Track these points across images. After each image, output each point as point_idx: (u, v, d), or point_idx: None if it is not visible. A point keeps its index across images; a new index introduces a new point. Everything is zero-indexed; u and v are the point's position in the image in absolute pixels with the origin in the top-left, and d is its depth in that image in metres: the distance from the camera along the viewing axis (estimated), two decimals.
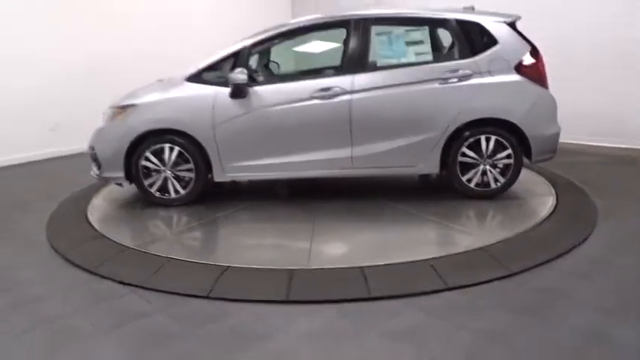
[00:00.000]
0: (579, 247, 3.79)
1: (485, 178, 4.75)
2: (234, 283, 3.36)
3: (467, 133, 4.65)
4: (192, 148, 4.77)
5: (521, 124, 4.58)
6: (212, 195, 5.19)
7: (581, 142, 6.89)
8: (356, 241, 4.03)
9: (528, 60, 4.63)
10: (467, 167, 4.74)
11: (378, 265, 3.50)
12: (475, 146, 4.68)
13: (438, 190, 5.14)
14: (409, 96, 4.62)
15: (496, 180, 4.73)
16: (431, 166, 4.72)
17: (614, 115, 6.74)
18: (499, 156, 4.68)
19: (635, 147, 6.66)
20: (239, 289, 3.27)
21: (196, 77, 4.80)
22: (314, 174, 4.81)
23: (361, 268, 3.46)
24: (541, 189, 5.11)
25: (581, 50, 6.88)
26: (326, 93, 4.62)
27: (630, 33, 6.47)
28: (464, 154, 4.69)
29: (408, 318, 2.94)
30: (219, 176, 4.84)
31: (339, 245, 3.96)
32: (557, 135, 4.74)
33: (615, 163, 6.26)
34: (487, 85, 4.58)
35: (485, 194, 4.77)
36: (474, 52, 4.65)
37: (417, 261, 3.54)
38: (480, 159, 4.70)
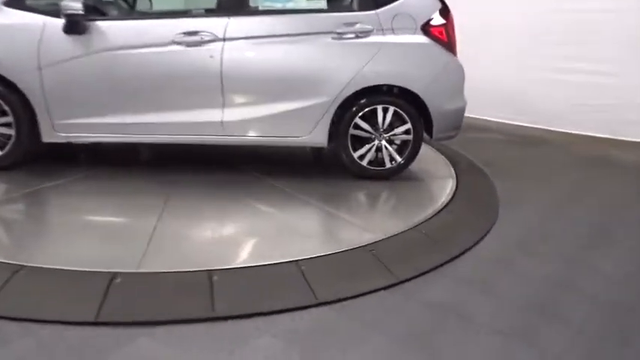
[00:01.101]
0: (478, 245, 3.21)
1: (379, 156, 4.05)
2: (23, 292, 2.41)
3: (361, 102, 3.90)
4: (11, 96, 3.64)
5: (424, 94, 3.90)
6: (49, 160, 4.10)
7: (484, 118, 6.44)
8: (211, 231, 3.19)
9: (438, 20, 3.92)
10: (360, 142, 4.02)
11: (232, 269, 2.69)
12: (370, 118, 3.95)
13: (328, 167, 4.38)
14: (294, 51, 3.78)
15: (392, 158, 4.06)
16: (318, 138, 3.94)
17: (520, 92, 6.32)
18: (397, 131, 4.00)
19: (540, 127, 6.30)
20: (26, 304, 2.33)
21: (19, 1, 3.63)
22: (174, 139, 3.87)
23: (209, 272, 2.63)
24: (440, 170, 4.52)
25: (491, 16, 6.33)
26: (191, 38, 3.66)
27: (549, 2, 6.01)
28: (357, 127, 3.96)
29: (261, 346, 2.17)
30: (48, 135, 3.76)
31: (188, 236, 3.09)
32: (463, 110, 4.12)
33: (520, 142, 5.85)
34: (389, 46, 3.83)
35: (379, 174, 4.09)
36: (377, 3, 3.86)
37: (283, 263, 2.77)
38: (375, 133, 3.98)
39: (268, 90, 3.80)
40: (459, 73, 4.02)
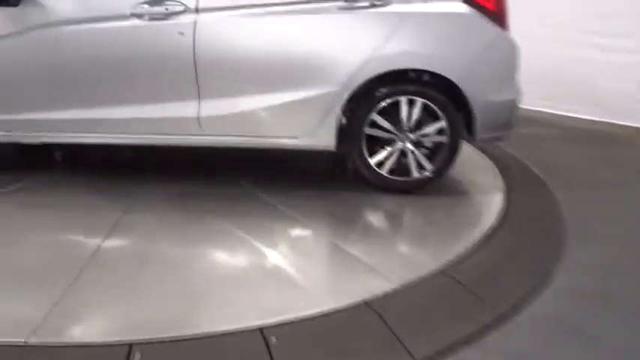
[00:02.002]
0: (536, 299, 2.24)
1: (404, 162, 3.10)
2: None
3: (380, 92, 2.96)
4: None
5: (463, 82, 2.92)
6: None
7: (537, 109, 5.31)
8: (162, 277, 2.30)
9: None
10: (378, 144, 3.08)
11: (167, 342, 1.83)
12: (391, 113, 3.01)
13: (339, 174, 3.47)
14: (290, 25, 2.88)
15: (421, 166, 3.10)
16: (323, 139, 3.02)
17: (581, 77, 5.18)
18: (427, 130, 3.04)
19: (606, 120, 5.15)
20: None
21: None
22: (137, 141, 3.04)
23: (131, 346, 1.78)
24: (485, 179, 3.52)
25: None
26: (155, 9, 2.80)
27: None
28: (374, 124, 3.02)
29: None
30: None
31: (125, 283, 2.24)
32: (515, 103, 3.11)
33: (583, 140, 4.74)
34: (415, 17, 2.88)
35: (404, 186, 3.14)
36: None
37: (248, 330, 1.90)
38: (398, 133, 3.04)
39: (257, 77, 2.91)
40: (511, 53, 3.01)
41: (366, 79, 2.90)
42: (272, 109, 2.94)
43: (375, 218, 3.01)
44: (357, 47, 2.88)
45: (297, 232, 2.72)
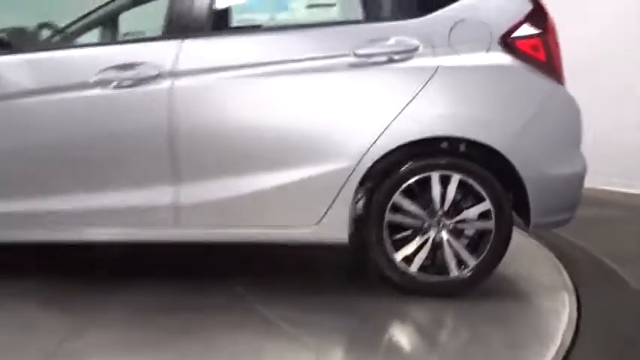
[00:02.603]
0: None
1: (439, 256, 2.39)
2: None
3: (404, 167, 2.31)
4: None
5: (511, 152, 2.26)
6: None
7: (602, 188, 4.53)
8: None
9: (527, 30, 2.32)
10: (404, 235, 2.40)
11: None
12: (421, 194, 2.35)
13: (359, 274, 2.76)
14: (288, 88, 2.31)
15: (460, 261, 2.38)
16: (332, 229, 2.36)
17: None
18: (467, 214, 2.35)
19: None
20: None
21: None
22: (99, 237, 2.44)
23: None
24: (546, 275, 2.76)
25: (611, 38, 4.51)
26: (125, 74, 2.29)
27: None
28: (397, 209, 2.35)
29: None
30: None
31: None
32: (581, 177, 2.41)
33: None
34: (446, 72, 2.28)
35: (440, 288, 2.41)
36: (426, 6, 2.34)
37: None
38: (430, 218, 2.36)
39: (247, 154, 2.33)
40: (571, 112, 2.36)
41: (385, 151, 2.28)
42: (267, 194, 2.32)
43: (403, 336, 2.27)
44: (373, 113, 2.28)
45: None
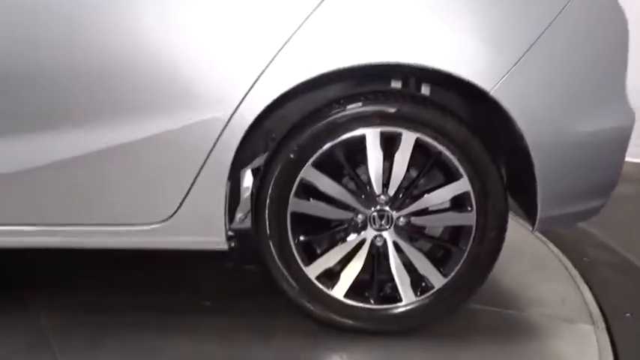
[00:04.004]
0: None
1: (383, 273, 1.41)
2: None
3: (320, 123, 1.31)
4: None
5: (506, 94, 1.26)
6: None
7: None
8: None
9: None
10: (320, 235, 1.42)
11: None
12: (349, 165, 1.36)
13: None
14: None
15: (419, 279, 1.40)
16: (199, 227, 1.36)
17: None
18: (430, 200, 1.37)
19: None
20: None
21: None
22: None
23: None
24: (556, 289, 1.77)
25: None
26: None
27: None
28: (307, 191, 1.36)
29: None
30: None
31: None
32: (625, 137, 1.41)
33: None
34: None
35: (386, 324, 1.44)
36: None
37: None
38: (364, 207, 1.36)
39: (43, 102, 1.30)
40: (614, 27, 1.35)
41: (282, 92, 1.27)
42: (79, 167, 1.32)
43: None
44: (255, 37, 1.26)
45: None
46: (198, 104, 1.28)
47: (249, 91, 1.26)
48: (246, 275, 1.78)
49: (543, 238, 2.15)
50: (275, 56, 1.24)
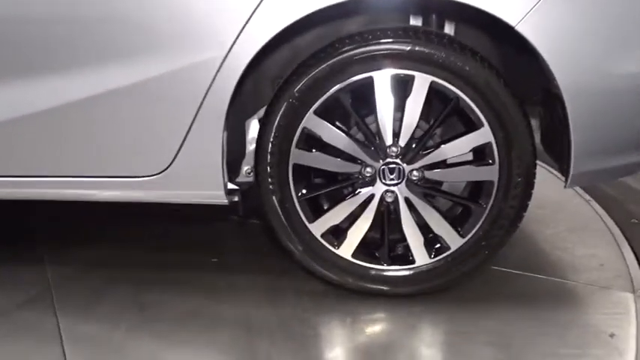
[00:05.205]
0: None
1: (392, 231, 1.29)
2: None
3: (323, 65, 1.18)
4: None
5: (535, 29, 1.09)
6: None
7: None
8: None
9: None
10: (326, 192, 1.31)
11: None
12: (356, 112, 1.23)
13: None
14: None
15: (433, 240, 1.28)
16: (195, 179, 1.28)
17: None
18: (446, 151, 1.23)
19: None
20: None
21: None
22: None
23: None
24: (595, 258, 1.60)
25: None
26: None
27: None
28: (311, 142, 1.25)
29: None
30: None
31: None
32: None
33: None
34: None
35: (399, 286, 1.33)
36: None
37: None
38: (372, 159, 1.24)
39: (30, 47, 1.23)
40: None
41: (279, 29, 1.14)
42: (75, 112, 1.25)
43: None
44: None
45: None
46: (189, 44, 1.18)
47: (243, 27, 1.14)
48: (255, 231, 1.71)
49: (586, 196, 1.96)
50: None
